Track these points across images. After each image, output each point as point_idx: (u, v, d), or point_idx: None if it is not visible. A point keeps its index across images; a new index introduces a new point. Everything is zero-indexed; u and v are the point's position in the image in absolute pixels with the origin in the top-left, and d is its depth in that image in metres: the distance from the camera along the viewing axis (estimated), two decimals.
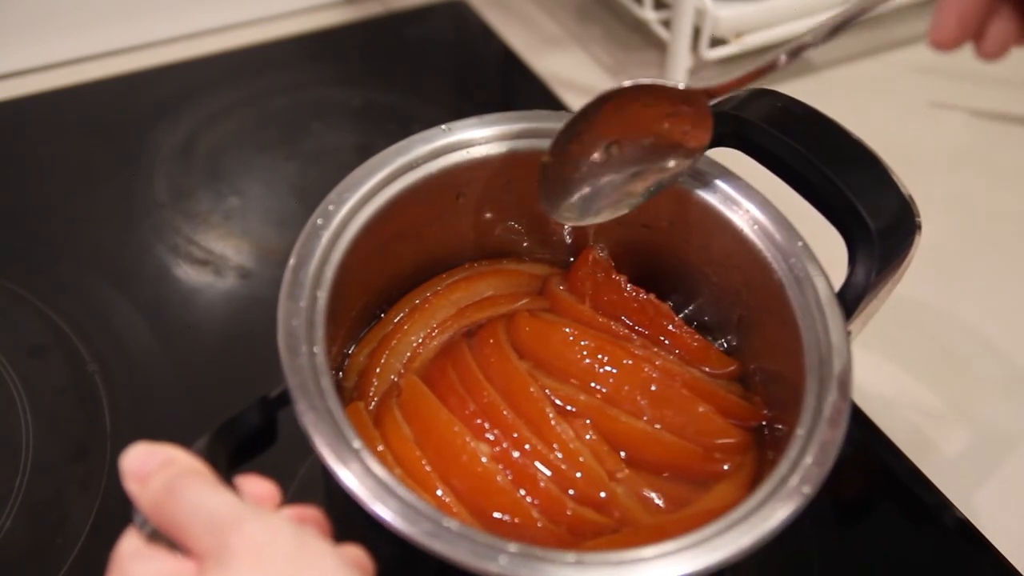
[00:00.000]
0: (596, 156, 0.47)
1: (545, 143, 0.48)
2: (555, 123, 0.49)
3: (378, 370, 0.49)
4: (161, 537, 0.33)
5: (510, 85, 0.91)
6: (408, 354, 0.50)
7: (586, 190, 0.48)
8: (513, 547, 0.35)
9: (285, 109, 0.85)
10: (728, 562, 0.36)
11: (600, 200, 0.48)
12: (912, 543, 0.55)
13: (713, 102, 0.46)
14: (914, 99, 0.88)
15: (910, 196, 0.46)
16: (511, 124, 0.50)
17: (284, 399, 0.41)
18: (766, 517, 0.37)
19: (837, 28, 0.43)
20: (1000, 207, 0.77)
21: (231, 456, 0.38)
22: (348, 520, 0.40)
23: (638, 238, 0.53)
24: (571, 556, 0.35)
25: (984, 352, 0.66)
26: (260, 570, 0.31)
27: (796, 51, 0.44)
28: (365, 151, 0.82)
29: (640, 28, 0.91)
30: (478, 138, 0.49)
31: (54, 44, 0.88)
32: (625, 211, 0.48)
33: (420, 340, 0.50)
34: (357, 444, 0.38)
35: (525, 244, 0.55)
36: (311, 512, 0.36)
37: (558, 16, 0.96)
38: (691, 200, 0.49)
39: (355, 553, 0.34)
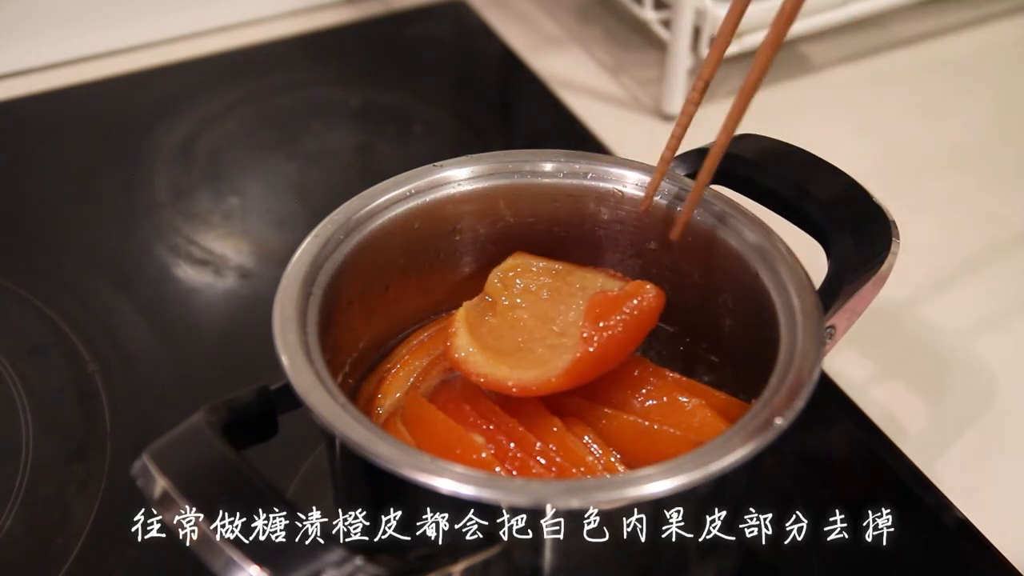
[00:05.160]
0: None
1: (540, 180, 0.50)
2: (551, 162, 0.50)
3: (380, 395, 0.50)
4: None
5: (510, 85, 0.91)
6: (410, 381, 0.51)
7: None
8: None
9: (285, 109, 0.85)
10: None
11: None
12: (912, 543, 0.55)
13: None
14: (914, 99, 0.88)
15: (880, 202, 0.50)
16: (503, 162, 0.51)
17: (285, 393, 0.41)
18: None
19: None
20: (999, 207, 0.77)
21: (230, 436, 0.39)
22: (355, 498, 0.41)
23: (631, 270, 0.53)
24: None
25: (985, 353, 0.66)
26: None
27: None
28: (365, 151, 0.83)
29: (640, 28, 0.91)
30: (470, 175, 0.50)
31: (54, 44, 0.88)
32: None
33: (423, 366, 0.51)
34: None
35: None
36: None
37: (558, 16, 0.96)
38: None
39: None
